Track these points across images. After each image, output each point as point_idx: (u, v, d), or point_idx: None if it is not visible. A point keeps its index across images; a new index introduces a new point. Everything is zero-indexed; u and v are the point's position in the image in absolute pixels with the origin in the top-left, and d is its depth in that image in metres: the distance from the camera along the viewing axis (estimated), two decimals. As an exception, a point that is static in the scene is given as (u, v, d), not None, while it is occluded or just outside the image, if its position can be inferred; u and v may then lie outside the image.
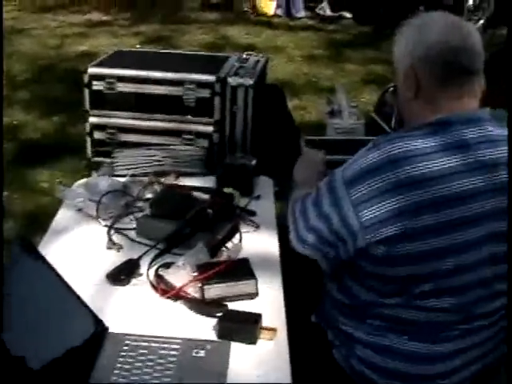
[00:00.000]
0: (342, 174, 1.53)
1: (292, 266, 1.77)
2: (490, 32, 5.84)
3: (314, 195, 1.61)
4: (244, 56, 2.58)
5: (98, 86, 2.39)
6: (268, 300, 1.64)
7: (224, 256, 1.77)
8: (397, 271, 1.51)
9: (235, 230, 1.89)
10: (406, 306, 1.53)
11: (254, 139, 2.40)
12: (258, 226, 1.98)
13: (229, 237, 1.87)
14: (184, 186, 2.02)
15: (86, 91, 2.41)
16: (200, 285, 1.62)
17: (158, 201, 1.93)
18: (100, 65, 2.46)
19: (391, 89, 2.55)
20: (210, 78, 2.34)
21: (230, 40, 7.27)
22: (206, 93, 2.34)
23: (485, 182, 1.49)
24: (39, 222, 3.29)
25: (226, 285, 1.62)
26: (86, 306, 1.45)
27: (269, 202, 2.15)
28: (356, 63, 6.50)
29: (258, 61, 2.54)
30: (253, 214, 2.03)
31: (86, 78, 2.39)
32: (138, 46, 7.12)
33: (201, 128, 2.39)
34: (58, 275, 1.41)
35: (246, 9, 8.51)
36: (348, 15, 8.08)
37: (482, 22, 7.10)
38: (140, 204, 2.01)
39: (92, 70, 2.40)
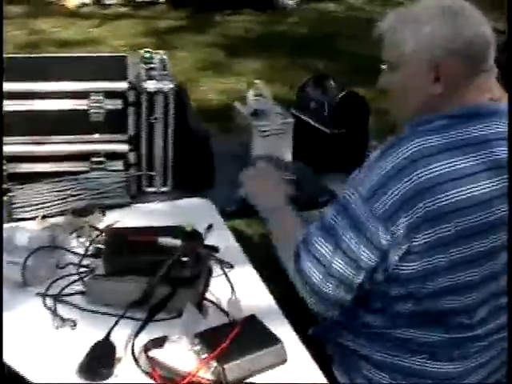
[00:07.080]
0: (357, 191, 1.33)
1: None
2: None
3: (323, 228, 1.38)
4: (144, 54, 2.11)
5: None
6: (294, 363, 1.30)
7: (209, 313, 1.41)
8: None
9: (210, 273, 1.53)
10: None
11: (176, 154, 2.00)
12: (231, 265, 1.61)
13: (207, 284, 1.50)
14: (139, 228, 1.57)
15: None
16: (215, 365, 1.23)
17: (113, 252, 1.47)
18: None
19: (311, 81, 2.26)
20: (121, 85, 1.88)
21: (42, 35, 6.54)
22: (117, 104, 1.89)
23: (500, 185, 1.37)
24: None
25: (249, 358, 1.26)
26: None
27: (223, 230, 1.78)
28: (183, 50, 6.16)
29: (162, 59, 2.10)
30: (215, 250, 1.66)
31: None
32: None
33: (113, 147, 1.93)
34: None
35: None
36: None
37: None
38: (77, 260, 1.54)
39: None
